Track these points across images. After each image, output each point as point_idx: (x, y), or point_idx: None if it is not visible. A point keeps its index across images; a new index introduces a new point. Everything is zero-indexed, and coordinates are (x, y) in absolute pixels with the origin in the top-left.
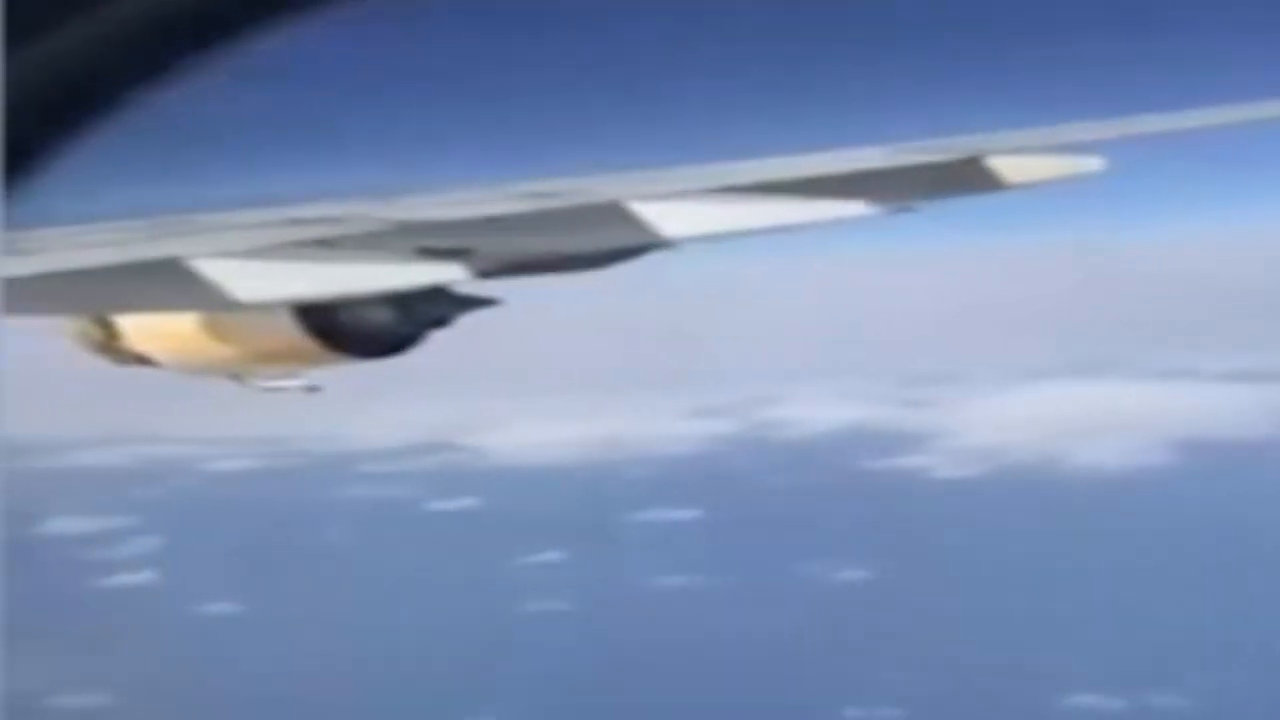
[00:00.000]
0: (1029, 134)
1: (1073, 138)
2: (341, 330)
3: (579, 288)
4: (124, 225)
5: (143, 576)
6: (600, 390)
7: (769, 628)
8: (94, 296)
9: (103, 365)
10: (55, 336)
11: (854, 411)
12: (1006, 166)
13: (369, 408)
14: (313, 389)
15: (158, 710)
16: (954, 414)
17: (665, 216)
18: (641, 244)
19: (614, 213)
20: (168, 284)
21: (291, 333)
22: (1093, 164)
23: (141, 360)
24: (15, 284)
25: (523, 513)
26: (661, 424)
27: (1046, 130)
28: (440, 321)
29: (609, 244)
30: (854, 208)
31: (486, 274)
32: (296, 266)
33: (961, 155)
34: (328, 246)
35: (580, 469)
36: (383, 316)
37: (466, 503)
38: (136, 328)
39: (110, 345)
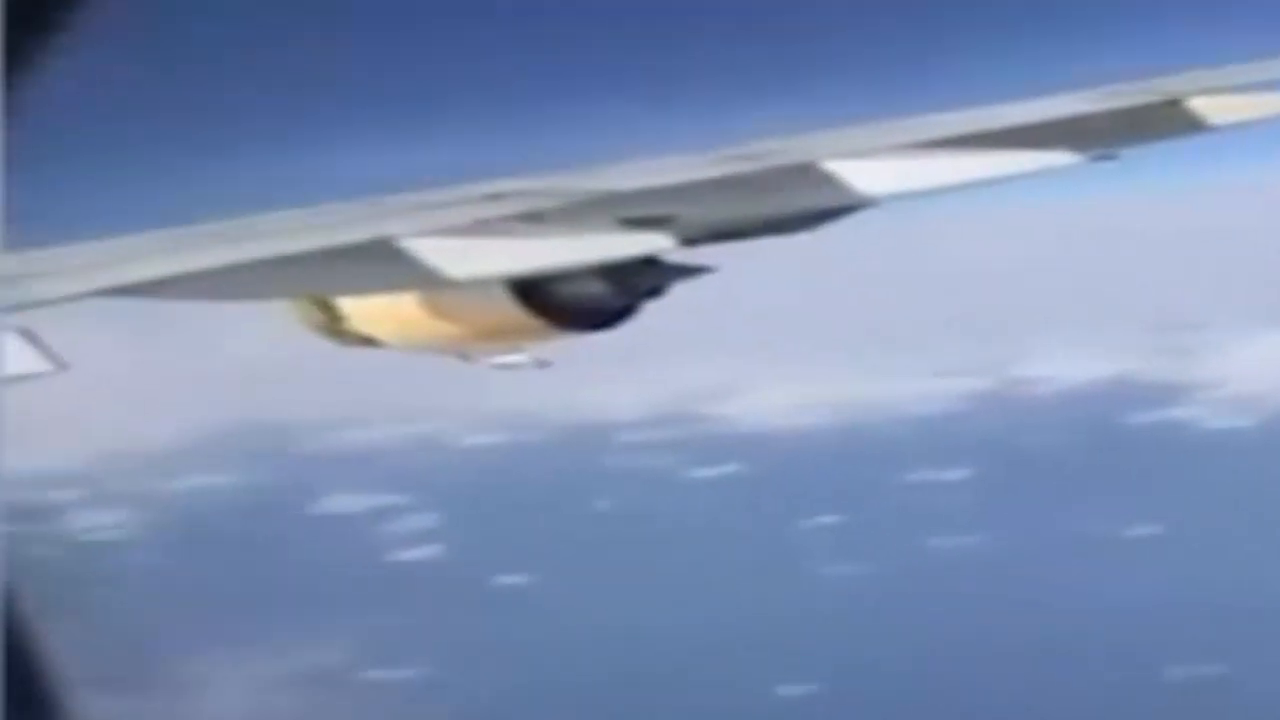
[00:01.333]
0: (1230, 71)
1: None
2: (558, 304)
3: (793, 250)
4: (325, 209)
5: (428, 551)
6: (837, 351)
7: (1073, 586)
8: (310, 279)
9: (331, 347)
10: (283, 322)
11: (1109, 363)
12: (1209, 107)
13: (608, 380)
14: (542, 364)
15: (474, 680)
16: (1214, 361)
17: (866, 175)
18: (845, 204)
19: (813, 174)
20: (381, 264)
21: (509, 308)
22: None
23: (367, 341)
24: (236, 270)
25: (788, 477)
26: (910, 384)
27: (1250, 67)
28: (654, 291)
29: (811, 205)
30: (1059, 158)
31: (691, 241)
32: (505, 242)
33: (1162, 97)
34: (533, 221)
35: (835, 432)
36: (596, 289)
37: (729, 469)
38: (358, 309)
39: (334, 327)
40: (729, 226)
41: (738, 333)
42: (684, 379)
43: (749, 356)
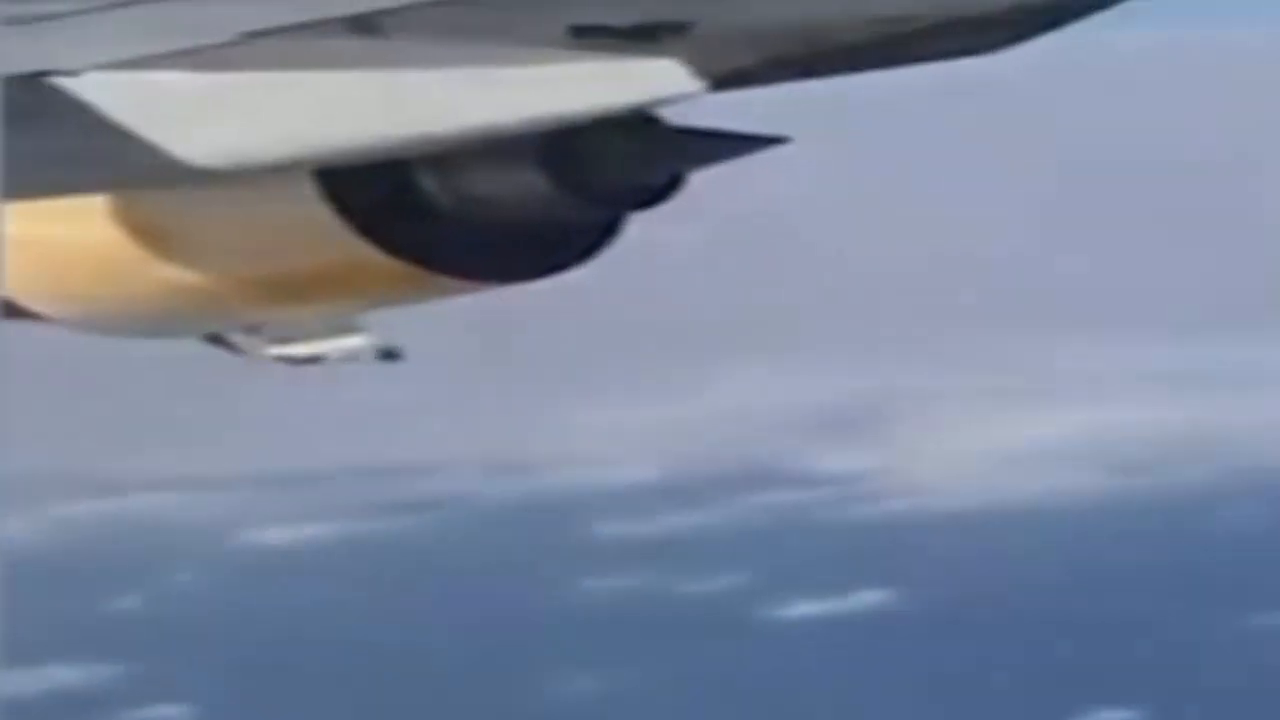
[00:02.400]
0: None
1: None
2: (430, 223)
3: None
4: None
5: None
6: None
7: None
8: None
9: None
10: None
11: None
12: None
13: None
14: (389, 355)
15: None
16: None
17: None
18: None
19: None
20: (35, 135)
21: (324, 231)
22: None
23: (8, 309)
24: None
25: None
26: None
27: None
28: (650, 194)
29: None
30: None
31: (724, 79)
32: (312, 80)
33: None
34: (370, 32)
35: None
36: (525, 186)
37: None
38: None
39: None
40: (799, 42)
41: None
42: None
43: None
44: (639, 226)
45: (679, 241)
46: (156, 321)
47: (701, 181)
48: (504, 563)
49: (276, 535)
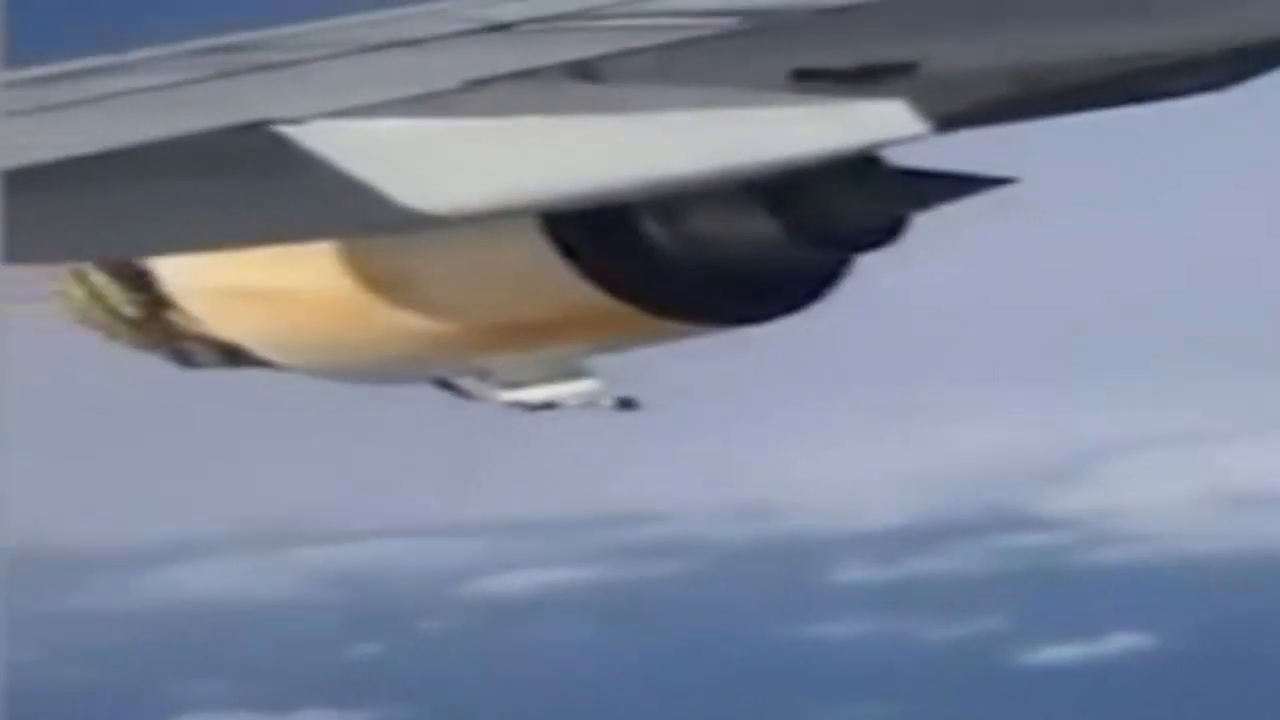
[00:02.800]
0: None
1: None
2: (663, 268)
3: None
4: (146, 56)
5: None
6: None
7: None
8: (101, 223)
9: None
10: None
11: None
12: None
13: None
14: (627, 405)
15: None
16: None
17: None
18: None
19: None
20: (263, 184)
21: (555, 278)
22: None
23: (227, 353)
24: None
25: None
26: None
27: None
28: (876, 235)
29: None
30: None
31: (953, 119)
32: (541, 128)
33: None
34: (589, 78)
35: None
36: (752, 230)
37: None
38: (202, 286)
39: (147, 325)
40: (1024, 82)
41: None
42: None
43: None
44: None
45: (895, 282)
46: (385, 368)
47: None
48: (745, 608)
49: (514, 582)
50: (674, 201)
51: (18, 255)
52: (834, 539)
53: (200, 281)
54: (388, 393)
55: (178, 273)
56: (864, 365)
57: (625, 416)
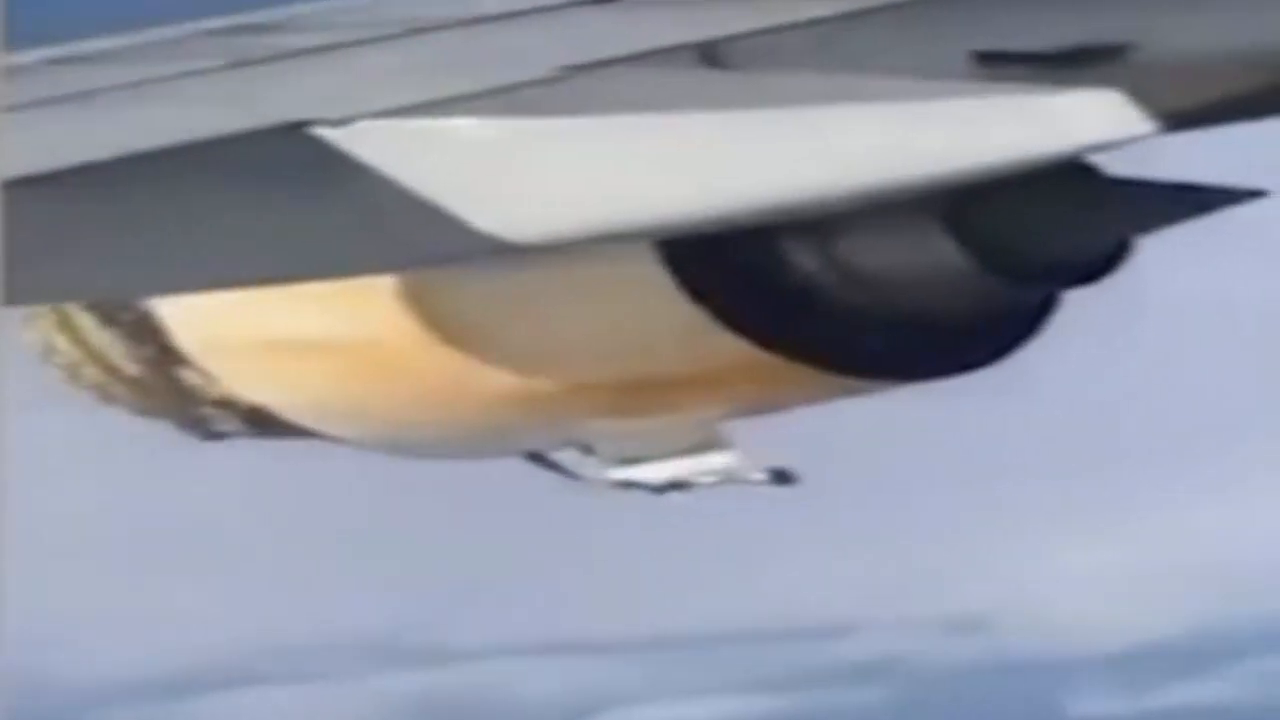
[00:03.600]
0: None
1: None
2: (818, 309)
3: None
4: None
5: None
6: None
7: None
8: (94, 253)
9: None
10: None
11: None
12: None
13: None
14: (781, 477)
15: None
16: None
17: None
18: None
19: None
20: (291, 205)
21: (677, 321)
22: None
23: (256, 420)
24: None
25: None
26: None
27: None
28: (1108, 256)
29: None
30: None
31: (1187, 116)
32: (660, 127)
33: None
34: (719, 65)
35: None
36: (934, 258)
37: None
38: (223, 337)
39: (152, 382)
40: (1268, 71)
41: None
42: None
43: None
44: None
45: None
46: (459, 438)
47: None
48: None
49: (658, 714)
50: (830, 225)
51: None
52: (1067, 660)
53: (220, 330)
54: (479, 471)
55: (190, 320)
56: (1079, 434)
57: (785, 499)
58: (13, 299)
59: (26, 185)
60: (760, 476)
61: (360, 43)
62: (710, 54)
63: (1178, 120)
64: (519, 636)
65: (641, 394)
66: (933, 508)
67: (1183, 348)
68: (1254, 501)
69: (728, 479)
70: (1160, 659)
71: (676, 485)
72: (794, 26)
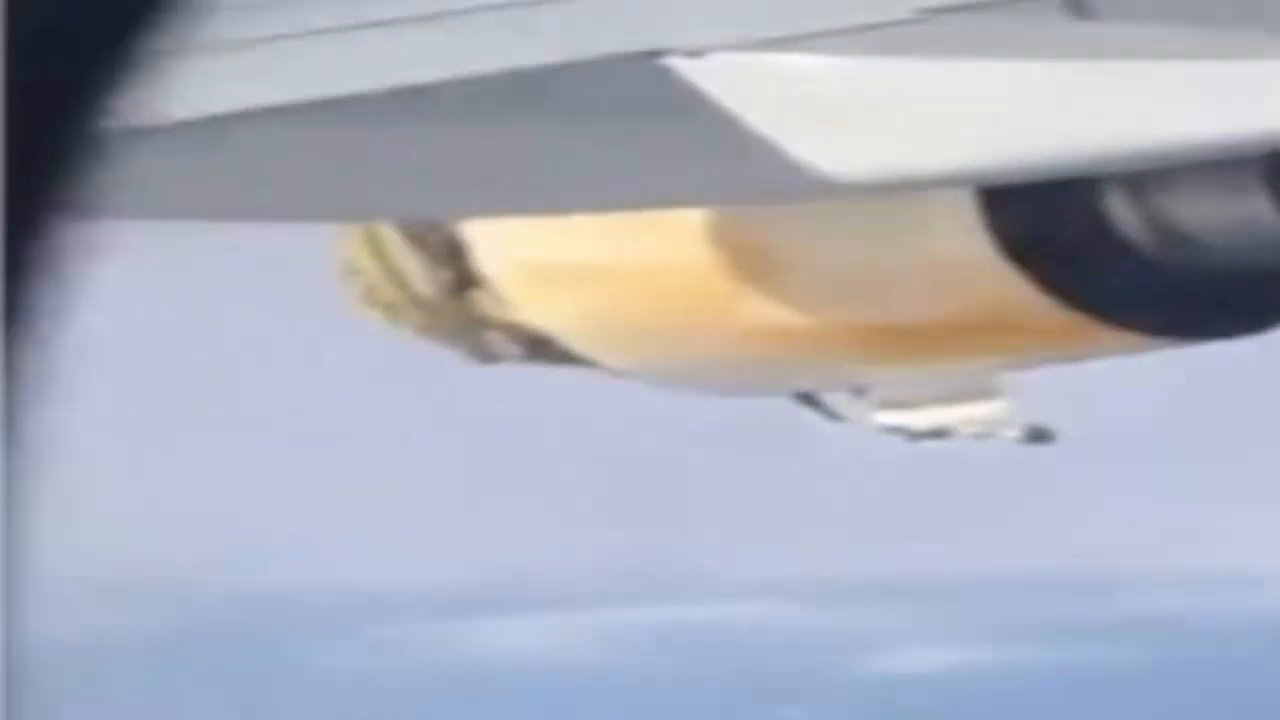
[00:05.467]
0: None
1: None
2: (1129, 267)
3: None
4: None
5: None
6: None
7: None
8: (426, 169)
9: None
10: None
11: None
12: None
13: None
14: (1038, 436)
15: None
16: None
17: None
18: None
19: None
20: (637, 126)
21: (982, 269)
22: None
23: (535, 346)
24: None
25: None
26: None
27: None
28: None
29: None
30: None
31: None
32: (1016, 74)
33: None
34: (1083, 15)
35: None
36: (1254, 220)
37: None
38: (521, 262)
39: (445, 304)
40: None
41: None
42: None
43: None
44: None
45: None
46: (742, 372)
47: None
48: (1230, 701)
49: (918, 659)
50: (1152, 181)
51: (320, 206)
52: None
53: (520, 256)
54: (743, 406)
55: (495, 243)
56: None
57: (1048, 454)
58: (348, 215)
59: (372, 103)
60: (1016, 434)
61: None
62: (1076, 4)
63: None
64: (777, 576)
65: (926, 337)
66: (1215, 467)
67: None
68: None
69: (987, 432)
70: None
71: (936, 433)
72: None
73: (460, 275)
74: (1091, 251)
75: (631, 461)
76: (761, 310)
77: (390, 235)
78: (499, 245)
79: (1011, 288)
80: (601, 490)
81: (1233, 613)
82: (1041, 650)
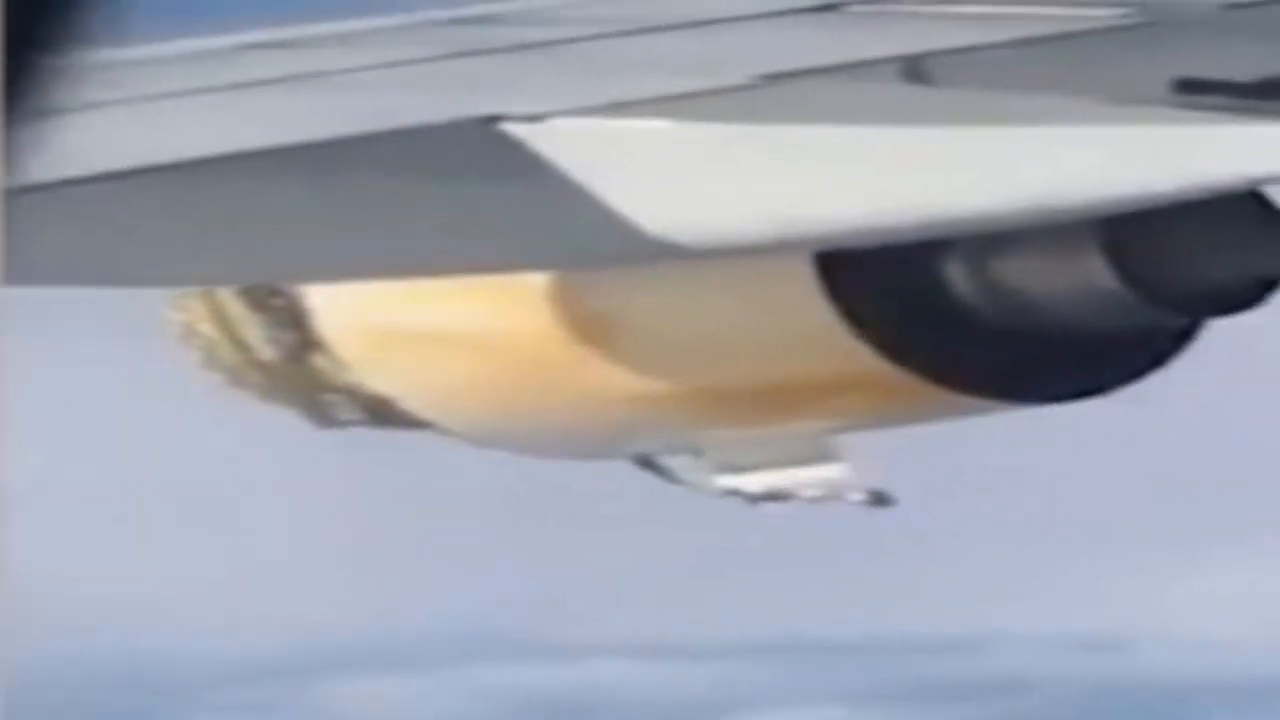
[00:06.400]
0: None
1: None
2: (966, 329)
3: None
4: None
5: None
6: None
7: None
8: (268, 234)
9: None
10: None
11: None
12: None
13: None
14: (878, 499)
15: None
16: None
17: None
18: None
19: None
20: (469, 200)
21: (820, 332)
22: None
23: (377, 409)
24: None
25: None
26: None
27: None
28: (1264, 286)
29: None
30: None
31: None
32: (854, 140)
33: None
34: (920, 81)
35: None
36: (1090, 283)
37: None
38: (362, 325)
39: (285, 367)
40: None
41: None
42: None
43: None
44: None
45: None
46: (581, 435)
47: None
48: None
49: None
50: (990, 245)
51: (155, 274)
52: (1204, 683)
53: (361, 319)
54: (592, 471)
55: (336, 307)
56: (1235, 446)
57: (917, 508)
58: (171, 281)
59: (207, 167)
60: (859, 497)
61: (564, 41)
62: (914, 69)
63: None
64: (626, 637)
65: (765, 400)
66: (1071, 524)
67: None
68: None
69: (827, 495)
70: None
71: (775, 496)
72: (999, 45)
73: (301, 338)
74: (929, 314)
75: (487, 521)
76: (601, 375)
77: (230, 298)
78: (339, 309)
79: (850, 350)
80: (459, 550)
81: (1095, 675)
82: (902, 711)
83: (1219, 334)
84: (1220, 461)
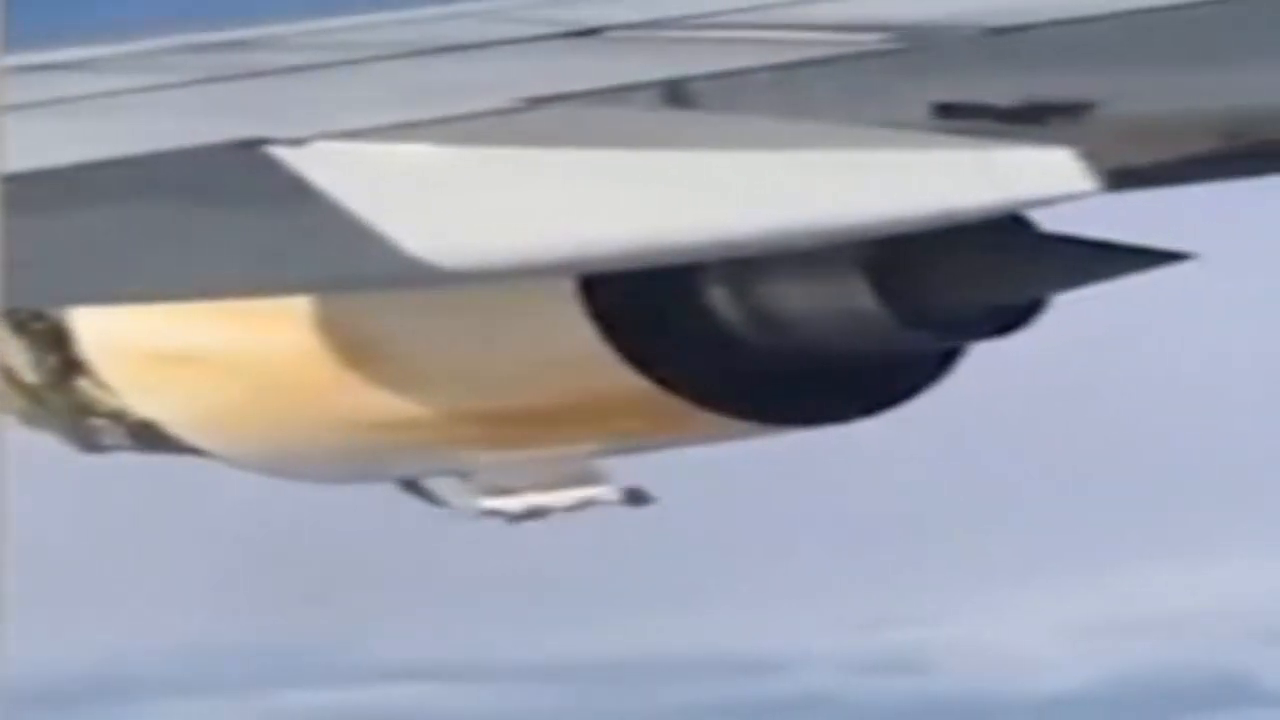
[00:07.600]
0: None
1: None
2: (729, 354)
3: None
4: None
5: None
6: None
7: None
8: (29, 258)
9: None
10: None
11: None
12: None
13: None
14: (636, 498)
15: None
16: None
17: None
18: None
19: None
20: (236, 222)
21: (583, 356)
22: None
23: (142, 434)
24: None
25: None
26: None
27: None
28: (1025, 309)
29: None
30: None
31: (1137, 176)
32: (613, 164)
33: None
34: (683, 105)
35: None
36: (851, 309)
37: None
38: (124, 349)
39: (48, 391)
40: (1224, 134)
41: None
42: None
43: None
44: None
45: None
46: (346, 458)
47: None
48: None
49: None
50: (752, 269)
51: None
52: (1002, 703)
53: (124, 342)
54: (368, 495)
55: (96, 329)
56: (1032, 479)
57: (723, 532)
58: None
59: None
60: (614, 498)
61: (327, 65)
62: (676, 93)
63: (1130, 180)
64: (413, 660)
65: (529, 423)
66: (872, 548)
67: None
68: (1203, 555)
69: (584, 504)
70: (1090, 707)
71: (534, 514)
72: (761, 69)
73: (65, 362)
74: (693, 338)
75: (279, 545)
76: (364, 398)
77: None
78: (102, 332)
79: (614, 373)
80: (251, 575)
81: (900, 693)
82: None
83: (983, 355)
84: (1007, 479)
